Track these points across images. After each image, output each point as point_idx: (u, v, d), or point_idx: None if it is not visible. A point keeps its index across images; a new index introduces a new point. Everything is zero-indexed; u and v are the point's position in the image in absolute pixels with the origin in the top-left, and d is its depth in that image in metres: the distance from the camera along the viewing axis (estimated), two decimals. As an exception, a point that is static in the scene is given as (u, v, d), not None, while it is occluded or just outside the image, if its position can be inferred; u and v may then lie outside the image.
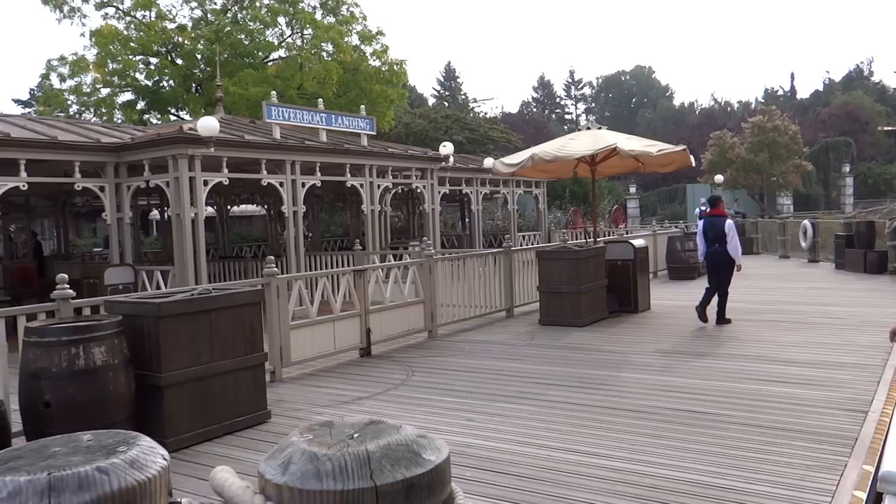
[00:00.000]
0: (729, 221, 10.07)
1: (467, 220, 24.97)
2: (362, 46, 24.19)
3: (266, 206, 23.49)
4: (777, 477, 4.25)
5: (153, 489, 0.87)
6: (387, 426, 0.96)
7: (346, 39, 23.03)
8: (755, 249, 23.87)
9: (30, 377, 4.77)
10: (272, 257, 7.80)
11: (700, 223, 10.68)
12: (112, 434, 1.00)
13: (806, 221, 20.50)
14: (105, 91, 23.45)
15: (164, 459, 0.97)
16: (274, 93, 13.80)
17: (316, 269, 14.06)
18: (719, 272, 10.03)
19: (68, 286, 5.70)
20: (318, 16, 23.84)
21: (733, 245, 9.89)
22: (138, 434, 1.01)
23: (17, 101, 54.63)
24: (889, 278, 15.04)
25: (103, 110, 23.26)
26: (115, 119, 23.17)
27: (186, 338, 5.31)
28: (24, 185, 10.29)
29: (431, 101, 73.12)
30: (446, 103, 66.70)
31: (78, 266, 18.59)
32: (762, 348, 8.04)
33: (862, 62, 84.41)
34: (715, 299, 10.07)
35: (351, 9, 24.38)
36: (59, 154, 10.68)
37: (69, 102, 23.39)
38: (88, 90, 23.17)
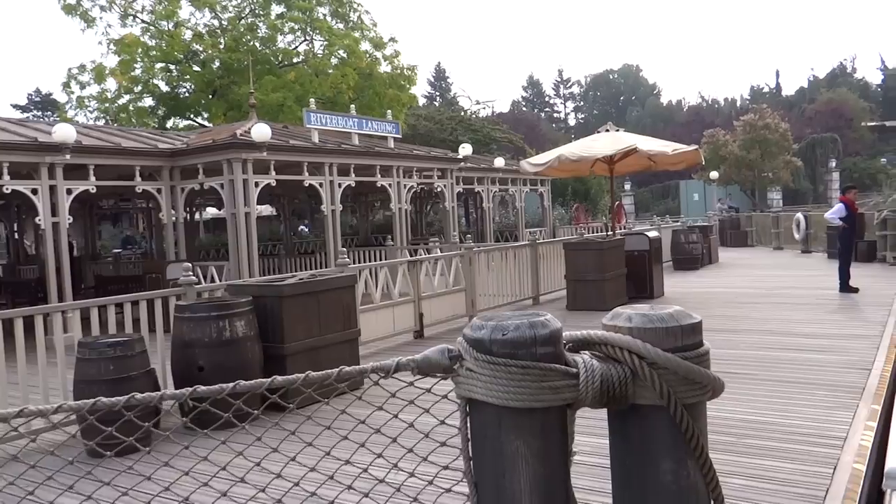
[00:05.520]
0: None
1: (473, 216, 25.96)
2: (374, 52, 25.21)
3: (279, 208, 24.42)
4: (806, 414, 5.29)
5: (560, 334, 1.84)
6: (662, 305, 1.92)
7: (359, 46, 24.05)
8: (750, 242, 25.05)
9: (184, 346, 5.73)
10: (344, 249, 8.77)
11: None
12: (527, 311, 1.97)
13: (799, 214, 21.60)
14: (125, 97, 24.29)
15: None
16: (312, 100, 14.75)
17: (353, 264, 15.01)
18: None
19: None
20: (331, 22, 24.81)
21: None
22: (541, 311, 1.98)
23: (16, 107, 55.16)
24: (879, 265, 16.22)
25: (122, 116, 24.09)
26: (132, 124, 24.00)
27: (301, 315, 6.28)
28: (92, 189, 11.19)
29: (422, 100, 73.96)
30: (436, 102, 67.65)
31: (110, 266, 19.52)
32: (774, 324, 9.11)
33: (845, 59, 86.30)
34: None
35: (361, 16, 25.43)
36: (123, 159, 11.58)
37: (90, 109, 24.22)
38: (112, 97, 24.01)
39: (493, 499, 1.76)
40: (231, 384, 1.78)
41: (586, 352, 1.86)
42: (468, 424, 1.82)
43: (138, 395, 1.65)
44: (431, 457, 1.89)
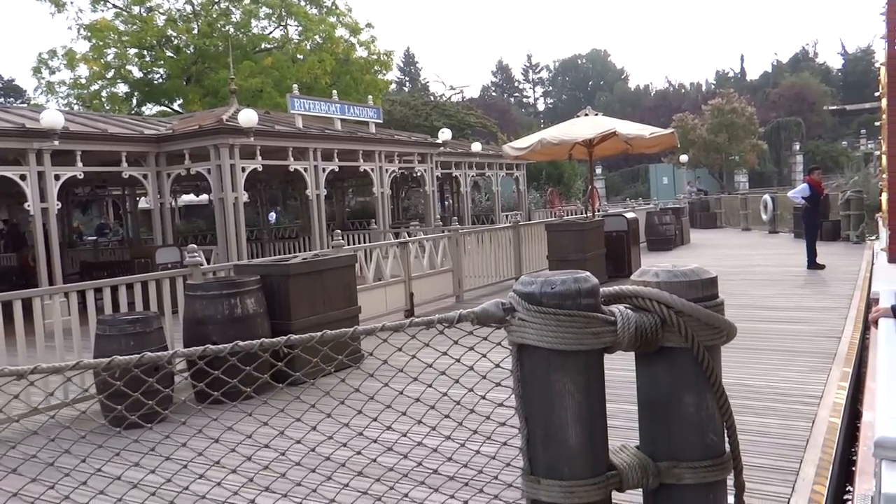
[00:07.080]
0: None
1: (447, 201, 26.20)
2: (350, 38, 25.29)
3: (255, 195, 24.42)
4: (786, 378, 5.73)
5: (598, 288, 2.15)
6: (682, 264, 2.26)
7: (335, 31, 24.11)
8: (719, 223, 25.72)
9: (196, 323, 5.95)
10: (339, 231, 9.01)
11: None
12: (569, 269, 2.28)
13: (766, 196, 22.23)
14: (98, 83, 24.05)
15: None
16: (296, 86, 14.88)
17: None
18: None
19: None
20: (306, 8, 24.81)
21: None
22: (581, 270, 2.29)
23: (-23, 92, 53.89)
24: (842, 244, 16.89)
25: (95, 102, 23.85)
26: (105, 111, 23.79)
27: (307, 293, 6.54)
28: (80, 174, 11.24)
29: (392, 86, 73.68)
30: (406, 88, 67.58)
31: (89, 252, 19.45)
32: (749, 299, 9.58)
33: (807, 44, 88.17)
34: None
35: (336, 1, 25.44)
36: (110, 145, 11.64)
37: (61, 95, 23.94)
38: (84, 83, 23.74)
39: (542, 429, 2.06)
40: (242, 343, 1.85)
41: (617, 305, 2.18)
42: (520, 367, 2.13)
43: (149, 354, 1.72)
44: (488, 396, 2.19)
